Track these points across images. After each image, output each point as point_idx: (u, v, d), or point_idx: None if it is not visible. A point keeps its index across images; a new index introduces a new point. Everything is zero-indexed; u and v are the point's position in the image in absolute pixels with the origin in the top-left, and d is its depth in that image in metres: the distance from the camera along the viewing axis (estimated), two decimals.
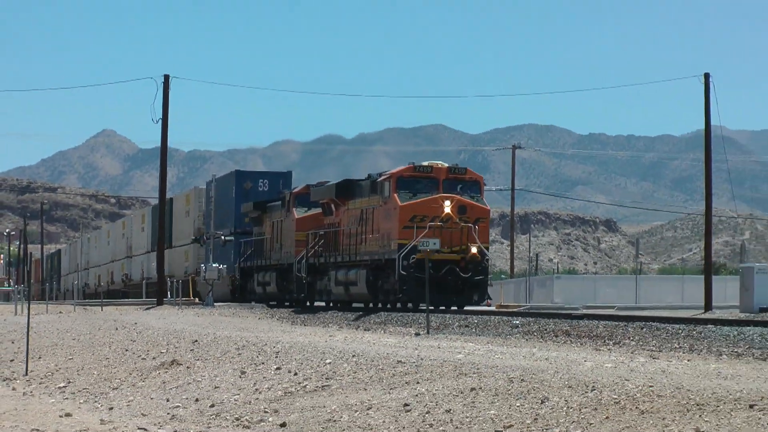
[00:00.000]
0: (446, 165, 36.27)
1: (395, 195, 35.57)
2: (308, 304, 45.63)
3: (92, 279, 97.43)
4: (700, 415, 15.96)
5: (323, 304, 45.90)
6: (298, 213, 44.79)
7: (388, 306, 38.66)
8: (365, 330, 35.43)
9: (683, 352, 26.13)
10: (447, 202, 34.60)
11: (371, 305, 40.89)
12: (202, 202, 60.48)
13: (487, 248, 36.22)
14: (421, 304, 35.62)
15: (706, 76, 60.39)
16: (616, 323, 33.98)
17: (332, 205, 42.44)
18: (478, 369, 21.02)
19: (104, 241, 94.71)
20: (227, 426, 20.31)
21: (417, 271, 34.12)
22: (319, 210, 44.62)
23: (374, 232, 37.43)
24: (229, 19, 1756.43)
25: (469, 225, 35.40)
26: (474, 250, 35.28)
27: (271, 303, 49.17)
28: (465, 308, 41.61)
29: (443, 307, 35.63)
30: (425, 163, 36.10)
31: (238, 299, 52.91)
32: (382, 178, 36.54)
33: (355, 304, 42.97)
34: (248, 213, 52.25)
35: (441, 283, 34.71)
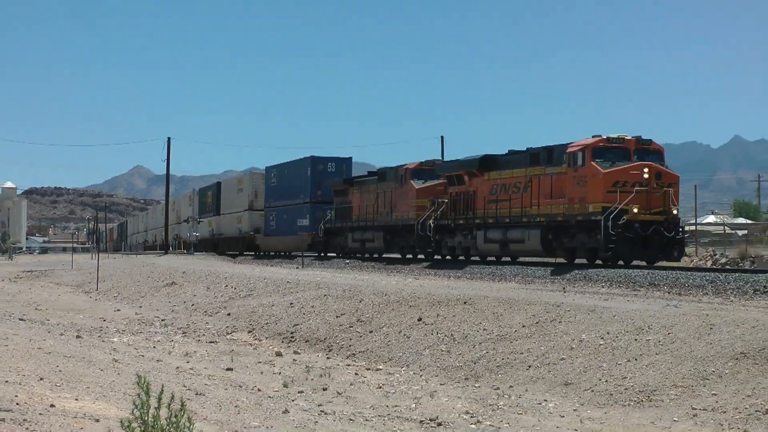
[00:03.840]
0: (633, 137, 37.05)
1: (593, 163, 36.07)
2: (430, 257, 49.04)
3: (150, 237, 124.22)
4: (439, 306, 27.06)
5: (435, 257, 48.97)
6: (416, 184, 49.07)
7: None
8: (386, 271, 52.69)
9: (433, 278, 40.06)
10: (646, 169, 35.60)
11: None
12: (256, 183, 74.08)
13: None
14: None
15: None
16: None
17: (465, 176, 44.92)
18: (327, 285, 35.06)
19: (160, 213, 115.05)
20: (200, 314, 35.41)
21: (626, 231, 35.19)
22: (436, 181, 48.73)
23: (553, 197, 38.25)
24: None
25: (668, 189, 36.08)
26: (674, 211, 36.32)
27: (374, 255, 55.33)
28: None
29: (648, 263, 36.70)
30: (615, 135, 36.54)
31: (323, 251, 61.93)
32: (574, 149, 37.11)
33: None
34: (334, 187, 59.63)
35: (648, 242, 35.46)
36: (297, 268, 51.45)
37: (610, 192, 35.51)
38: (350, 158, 65.38)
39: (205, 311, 36.28)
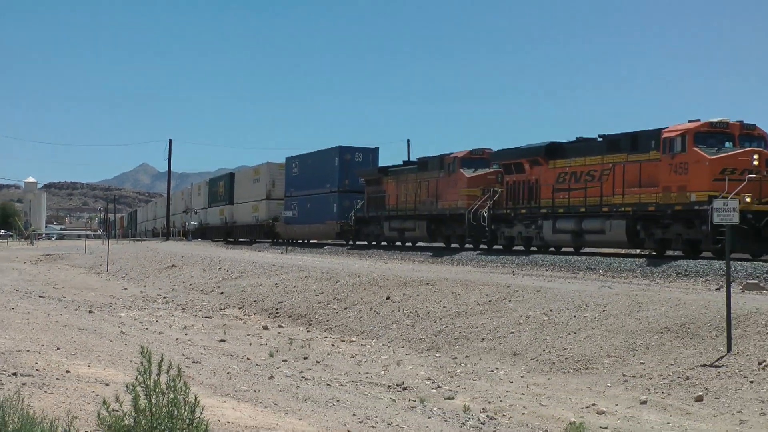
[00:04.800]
0: (736, 121, 31.29)
1: (696, 149, 30.47)
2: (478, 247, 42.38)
3: (158, 225, 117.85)
4: (405, 286, 27.42)
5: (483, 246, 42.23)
6: (466, 173, 42.40)
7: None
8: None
9: (399, 261, 40.25)
10: (756, 156, 30.02)
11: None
12: (273, 173, 68.16)
13: None
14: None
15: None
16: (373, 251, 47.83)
17: (526, 165, 38.41)
18: (308, 267, 35.35)
19: (181, 198, 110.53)
20: (196, 293, 35.39)
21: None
22: (487, 170, 42.32)
23: (641, 185, 32.11)
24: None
25: None
26: None
27: (417, 244, 49.12)
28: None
29: (753, 257, 30.16)
30: (717, 120, 31.04)
31: (354, 239, 55.16)
32: (672, 134, 31.38)
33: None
34: (366, 176, 53.36)
35: (760, 233, 29.27)
36: (281, 253, 51.41)
37: (717, 180, 29.63)
38: (377, 148, 58.56)
39: (201, 290, 36.23)
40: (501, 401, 14.88)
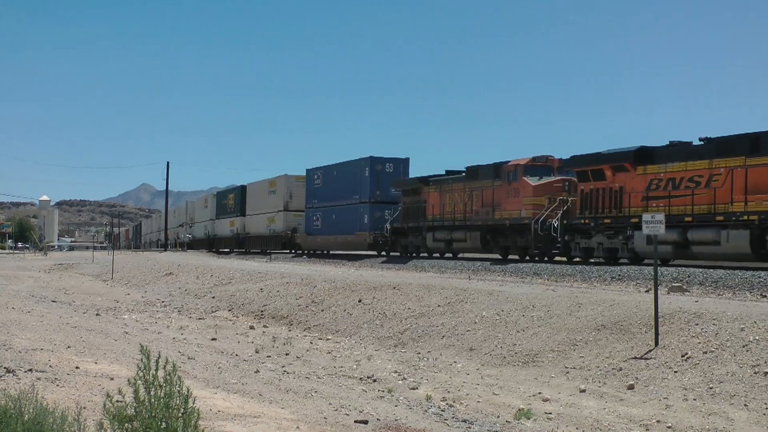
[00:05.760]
0: None
1: None
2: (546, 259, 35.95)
3: (162, 237, 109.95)
4: (374, 290, 27.25)
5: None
6: (531, 181, 36.08)
7: None
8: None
9: (372, 267, 40.35)
10: None
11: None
12: (291, 185, 62.36)
13: None
14: None
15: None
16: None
17: (608, 171, 31.87)
18: (289, 274, 35.14)
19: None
20: (191, 297, 35.19)
21: None
22: (552, 178, 36.09)
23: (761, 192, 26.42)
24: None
25: None
26: None
27: (467, 256, 42.78)
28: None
29: None
30: None
31: (388, 251, 48.40)
32: None
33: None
34: (402, 186, 47.10)
35: None
36: (266, 262, 51.18)
37: None
38: (408, 159, 51.85)
39: (195, 295, 36.04)
40: (459, 391, 14.89)
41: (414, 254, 45.61)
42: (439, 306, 23.12)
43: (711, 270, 25.81)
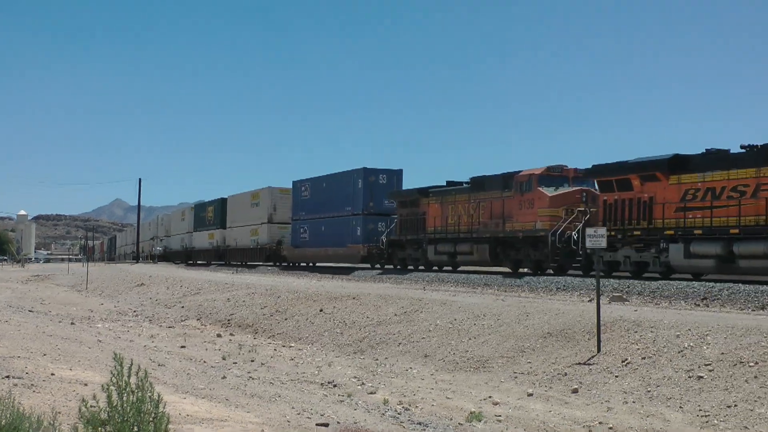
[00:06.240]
0: None
1: None
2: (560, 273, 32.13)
3: (140, 249, 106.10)
4: (335, 300, 27.26)
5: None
6: (547, 191, 32.29)
7: None
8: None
9: (343, 279, 39.80)
10: None
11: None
12: (275, 197, 59.24)
13: None
14: None
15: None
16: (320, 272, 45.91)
17: (636, 181, 28.21)
18: (254, 285, 35.10)
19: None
20: (161, 307, 34.92)
21: None
22: (568, 188, 32.30)
23: None
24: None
25: None
26: None
27: (470, 268, 38.65)
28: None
29: None
30: None
31: (383, 263, 44.03)
32: None
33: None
34: (399, 197, 43.36)
35: None
36: (233, 273, 50.71)
37: None
38: (401, 170, 48.17)
39: (165, 304, 35.76)
40: (414, 395, 14.89)
41: (411, 267, 41.61)
42: (395, 315, 23.12)
43: (648, 281, 25.94)
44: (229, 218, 67.85)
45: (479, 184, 36.83)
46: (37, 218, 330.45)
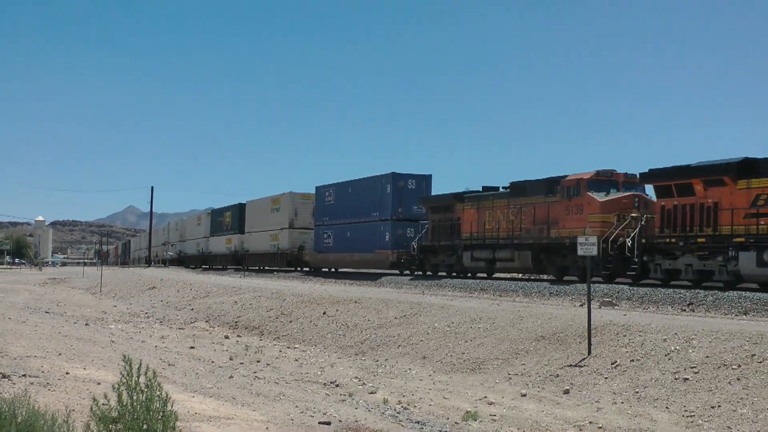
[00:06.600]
0: None
1: None
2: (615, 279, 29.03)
3: (152, 253, 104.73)
4: (338, 304, 27.36)
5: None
6: (597, 197, 29.69)
7: None
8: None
9: (338, 284, 39.73)
10: None
11: None
12: (296, 203, 56.76)
13: None
14: None
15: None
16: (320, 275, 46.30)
17: (698, 186, 25.36)
18: (260, 288, 34.98)
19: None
20: (172, 309, 34.83)
21: None
22: (619, 193, 29.71)
23: None
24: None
25: None
26: None
27: (516, 275, 37.12)
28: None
29: None
30: None
31: (415, 270, 41.80)
32: None
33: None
34: (431, 203, 40.40)
35: None
36: (241, 277, 50.48)
37: None
38: (430, 175, 45.41)
39: (176, 307, 35.70)
40: (413, 395, 14.87)
41: (444, 274, 38.80)
42: (395, 318, 23.10)
43: (637, 287, 25.89)
44: (248, 223, 65.62)
45: (520, 189, 34.14)
46: (53, 224, 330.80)
